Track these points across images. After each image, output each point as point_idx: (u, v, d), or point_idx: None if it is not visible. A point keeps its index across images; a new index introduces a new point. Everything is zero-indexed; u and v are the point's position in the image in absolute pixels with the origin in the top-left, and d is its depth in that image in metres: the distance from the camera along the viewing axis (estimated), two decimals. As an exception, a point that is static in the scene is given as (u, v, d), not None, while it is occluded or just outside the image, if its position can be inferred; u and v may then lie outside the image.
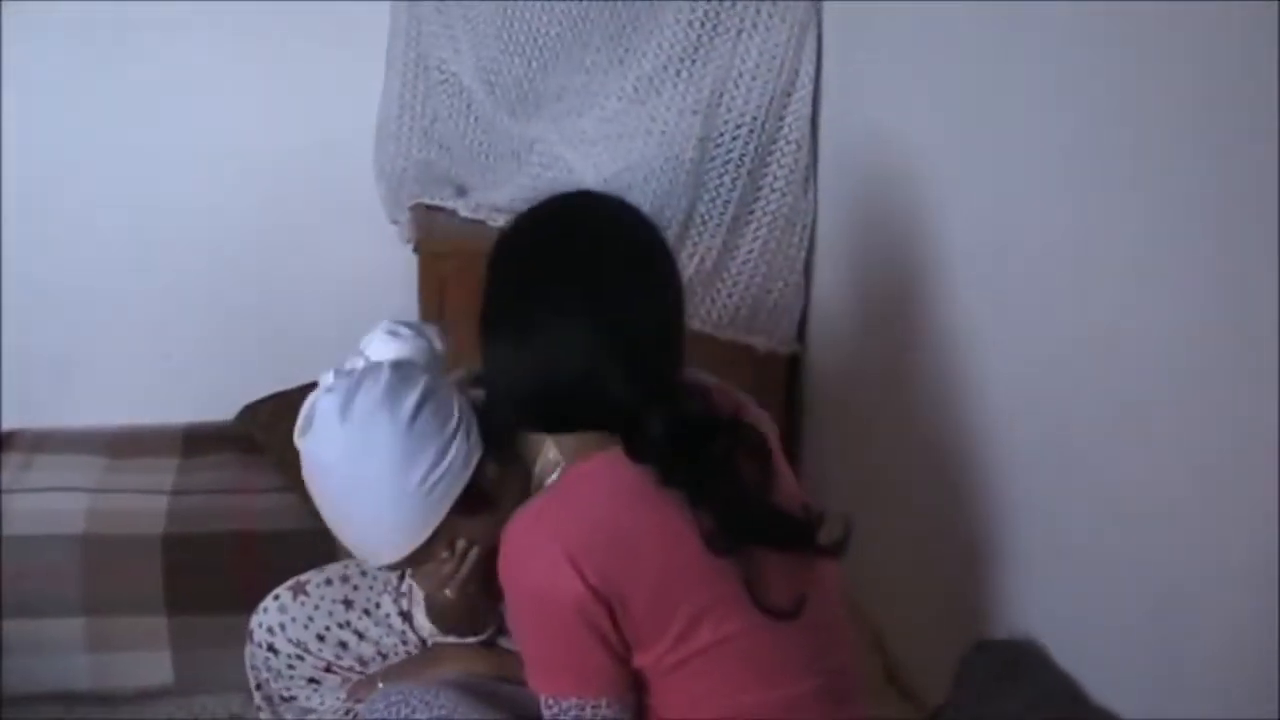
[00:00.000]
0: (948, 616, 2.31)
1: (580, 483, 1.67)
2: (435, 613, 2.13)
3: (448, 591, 1.95)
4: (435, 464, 1.83)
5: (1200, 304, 1.61)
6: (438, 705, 1.84)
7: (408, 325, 1.99)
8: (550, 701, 1.62)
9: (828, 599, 1.72)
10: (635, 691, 1.64)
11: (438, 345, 1.99)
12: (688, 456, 1.60)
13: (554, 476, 1.88)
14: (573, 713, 1.60)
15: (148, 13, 3.22)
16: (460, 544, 1.90)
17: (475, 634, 2.15)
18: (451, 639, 2.17)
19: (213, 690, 2.88)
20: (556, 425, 1.73)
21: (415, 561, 1.92)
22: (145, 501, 3.00)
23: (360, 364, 1.92)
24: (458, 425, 1.87)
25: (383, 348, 1.94)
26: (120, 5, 3.20)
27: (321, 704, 2.26)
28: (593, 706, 1.60)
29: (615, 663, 1.60)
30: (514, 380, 1.68)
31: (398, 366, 1.89)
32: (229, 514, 3.00)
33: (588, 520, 1.61)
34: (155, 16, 3.22)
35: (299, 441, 1.90)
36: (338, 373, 1.90)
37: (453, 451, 1.85)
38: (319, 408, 1.87)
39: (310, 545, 2.73)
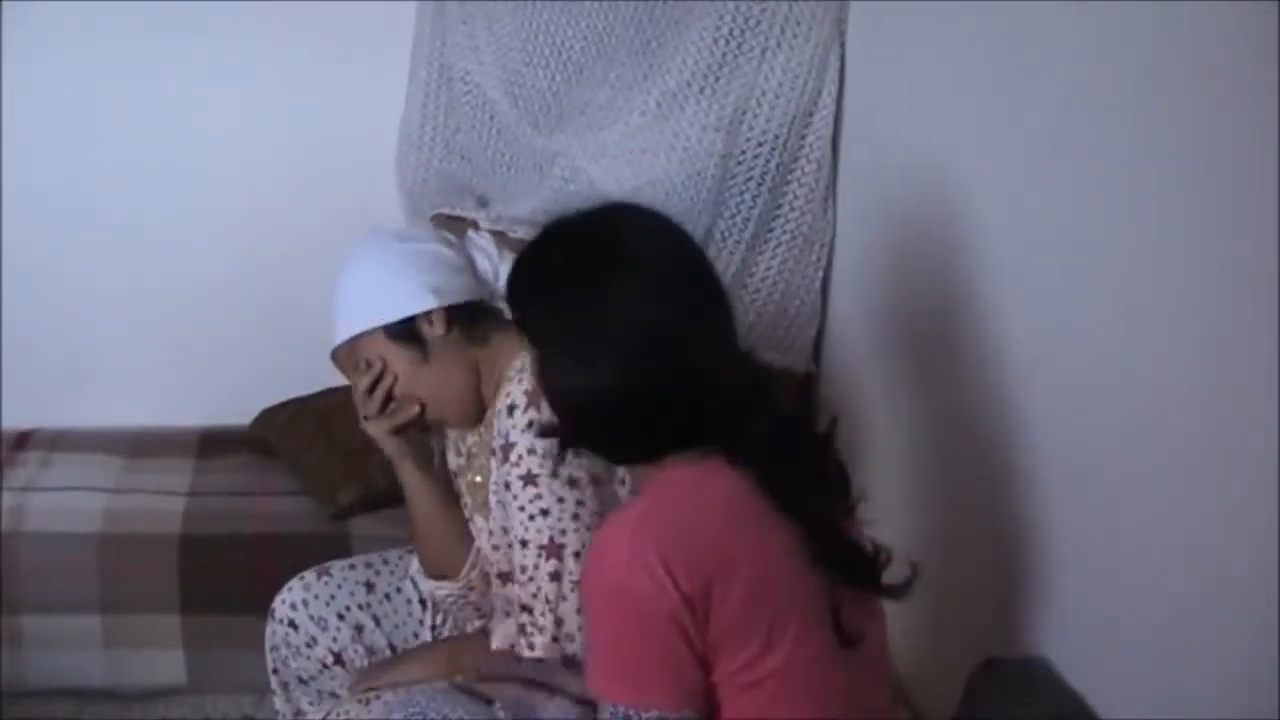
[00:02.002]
0: (958, 633, 2.32)
1: (672, 489, 1.63)
2: (411, 524, 2.27)
3: (362, 413, 2.18)
4: (387, 277, 2.10)
5: (1212, 324, 1.62)
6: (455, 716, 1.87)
7: (502, 249, 2.25)
8: (628, 712, 1.54)
9: (879, 638, 1.72)
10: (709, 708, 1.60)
11: (503, 273, 2.14)
12: (789, 458, 1.61)
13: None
14: None
15: (168, 16, 3.25)
16: (376, 365, 2.12)
17: (450, 569, 2.22)
18: (433, 584, 2.25)
19: (225, 690, 2.91)
20: (651, 445, 1.67)
21: (351, 353, 2.15)
22: (162, 502, 3.04)
23: None
24: (434, 277, 2.11)
25: (470, 236, 2.28)
26: (140, 7, 3.24)
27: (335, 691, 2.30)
28: (674, 715, 1.54)
29: (699, 675, 1.55)
30: (602, 396, 1.64)
31: (445, 236, 2.23)
32: (244, 517, 3.02)
33: (682, 525, 1.57)
34: (175, 20, 3.26)
35: None
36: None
37: (409, 284, 2.09)
38: None
39: (325, 549, 2.76)
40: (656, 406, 1.62)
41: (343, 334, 2.13)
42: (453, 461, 2.30)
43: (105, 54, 3.31)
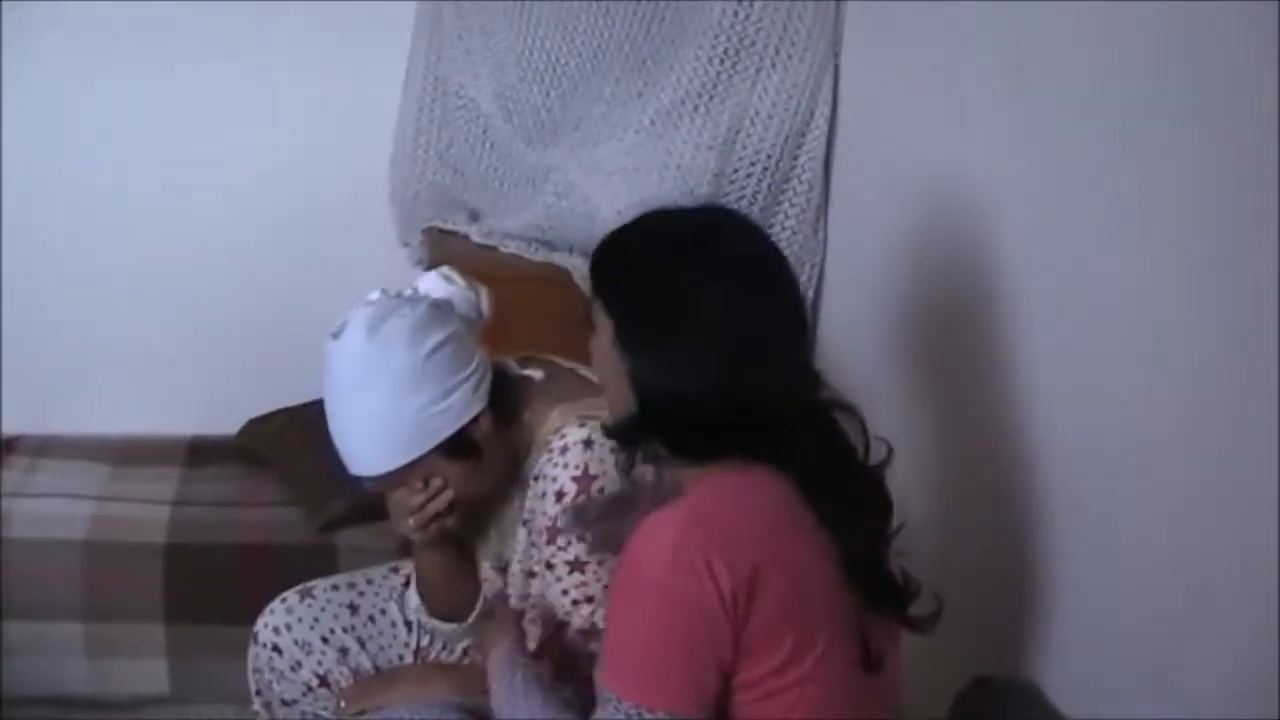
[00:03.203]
0: (946, 651, 2.32)
1: (718, 491, 1.64)
2: (420, 582, 2.22)
3: (410, 523, 2.04)
4: (435, 401, 1.95)
5: (1217, 344, 1.61)
6: None
7: (464, 276, 2.11)
8: (634, 709, 1.54)
9: (896, 663, 1.73)
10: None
11: (484, 306, 2.11)
12: (837, 477, 1.64)
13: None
14: None
15: (163, 22, 3.25)
16: (435, 482, 2.02)
17: (457, 615, 2.20)
18: (437, 623, 2.23)
19: (208, 700, 2.89)
20: (710, 449, 1.68)
21: (391, 483, 2.03)
22: (148, 511, 3.03)
23: (408, 293, 2.06)
24: (468, 376, 1.99)
25: (433, 285, 2.09)
26: (137, 11, 3.23)
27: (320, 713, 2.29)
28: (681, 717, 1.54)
29: (715, 682, 1.56)
30: (679, 389, 1.64)
31: (436, 305, 2.02)
32: (231, 526, 3.02)
33: (726, 525, 1.58)
34: (168, 27, 3.27)
35: (329, 342, 2.01)
36: (384, 292, 2.04)
37: (455, 397, 1.97)
38: (353, 318, 1.99)
39: (311, 560, 2.76)
40: (736, 411, 1.63)
41: (390, 463, 1.99)
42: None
43: (94, 63, 3.31)
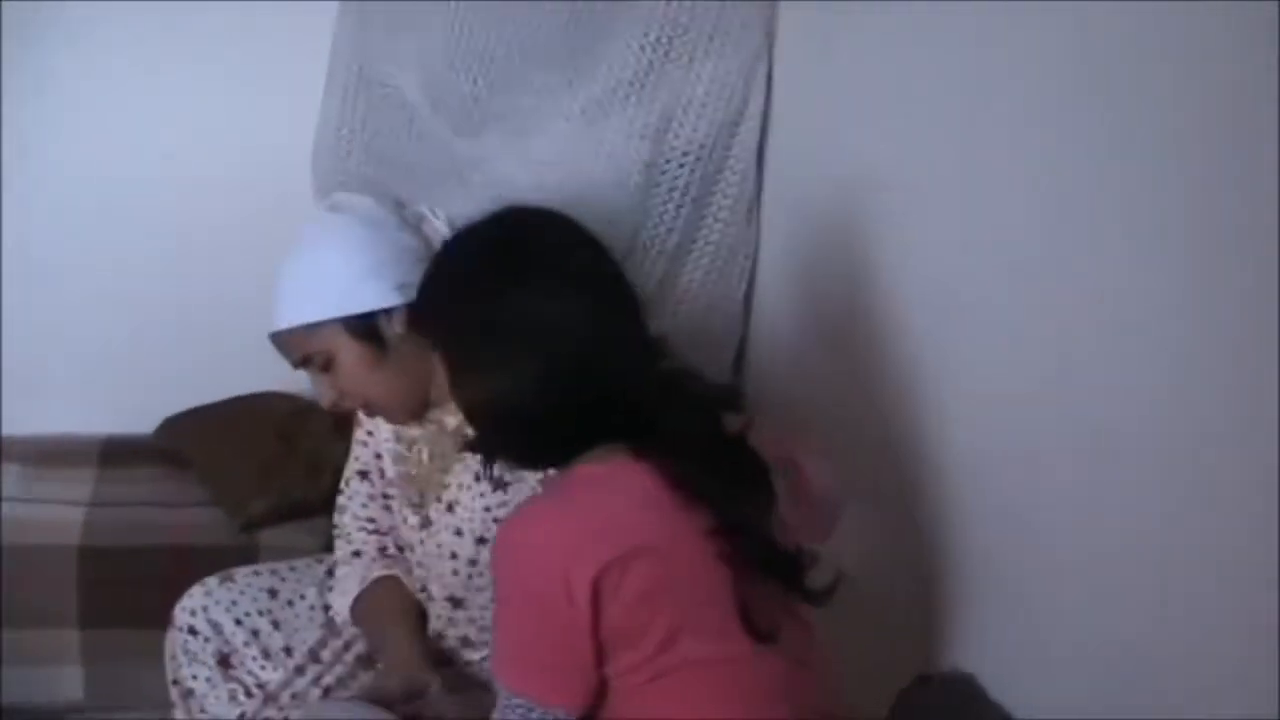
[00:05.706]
0: (889, 649, 2.30)
1: (584, 484, 1.66)
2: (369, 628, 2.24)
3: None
4: (360, 275, 2.08)
5: (1161, 339, 1.60)
6: None
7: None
8: (511, 698, 1.59)
9: (802, 637, 1.73)
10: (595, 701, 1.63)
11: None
12: (701, 450, 1.63)
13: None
14: (521, 712, 1.59)
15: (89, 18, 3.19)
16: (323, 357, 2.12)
17: None
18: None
19: (125, 707, 2.84)
20: (570, 445, 1.69)
21: (300, 341, 2.13)
22: (62, 512, 2.96)
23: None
24: (401, 277, 2.09)
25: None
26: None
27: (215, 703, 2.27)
28: (541, 710, 1.58)
29: (584, 675, 1.59)
30: (521, 400, 1.66)
31: (406, 219, 2.25)
32: (148, 528, 2.95)
33: (586, 522, 1.60)
34: (91, 21, 3.21)
35: None
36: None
37: (379, 282, 2.09)
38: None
39: (232, 561, 2.71)
40: (574, 410, 1.65)
41: (294, 318, 2.10)
42: (388, 449, 2.24)
43: (28, 58, 3.23)
